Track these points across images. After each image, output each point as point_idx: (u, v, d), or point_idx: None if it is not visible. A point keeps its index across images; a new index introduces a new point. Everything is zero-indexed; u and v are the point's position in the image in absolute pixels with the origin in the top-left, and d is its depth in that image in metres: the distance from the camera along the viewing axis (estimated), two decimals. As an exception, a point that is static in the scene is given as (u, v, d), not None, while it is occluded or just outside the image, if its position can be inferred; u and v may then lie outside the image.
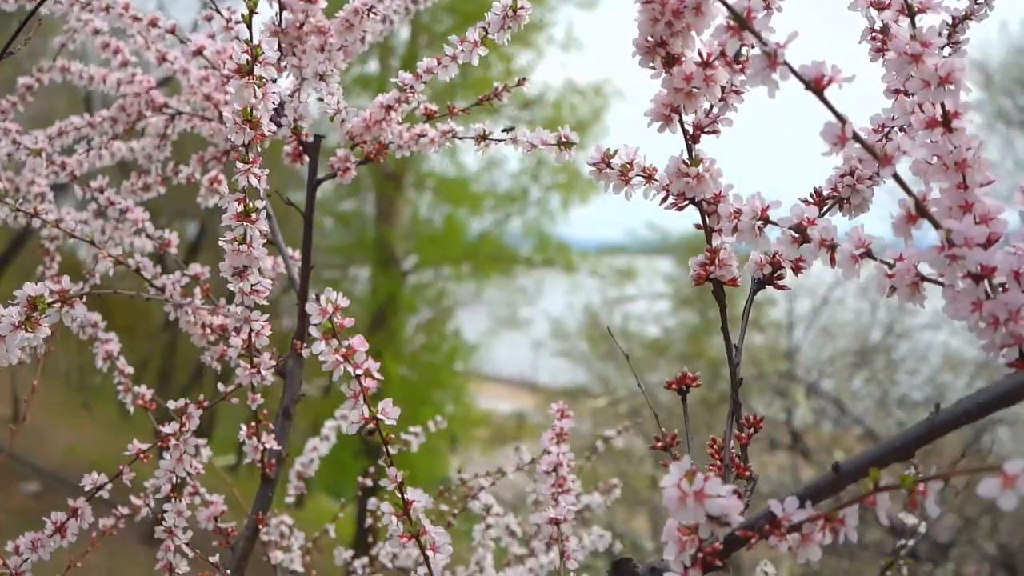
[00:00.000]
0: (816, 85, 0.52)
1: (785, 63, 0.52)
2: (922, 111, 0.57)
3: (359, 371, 0.64)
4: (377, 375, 0.65)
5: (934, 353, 7.08)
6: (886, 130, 0.72)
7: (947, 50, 0.76)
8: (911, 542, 1.12)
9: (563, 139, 0.87)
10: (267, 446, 1.00)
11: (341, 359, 0.64)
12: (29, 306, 0.69)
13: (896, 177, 0.53)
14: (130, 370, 1.13)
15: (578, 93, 10.67)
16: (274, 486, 1.03)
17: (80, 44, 1.38)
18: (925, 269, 0.57)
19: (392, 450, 0.69)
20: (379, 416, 0.65)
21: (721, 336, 0.68)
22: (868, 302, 7.50)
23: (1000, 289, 0.54)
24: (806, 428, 6.00)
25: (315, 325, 0.63)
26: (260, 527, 1.01)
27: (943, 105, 0.56)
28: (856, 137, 0.52)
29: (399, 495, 0.67)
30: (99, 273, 1.10)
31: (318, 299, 0.63)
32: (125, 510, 1.16)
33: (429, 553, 0.67)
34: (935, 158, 0.57)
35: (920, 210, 0.53)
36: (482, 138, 0.98)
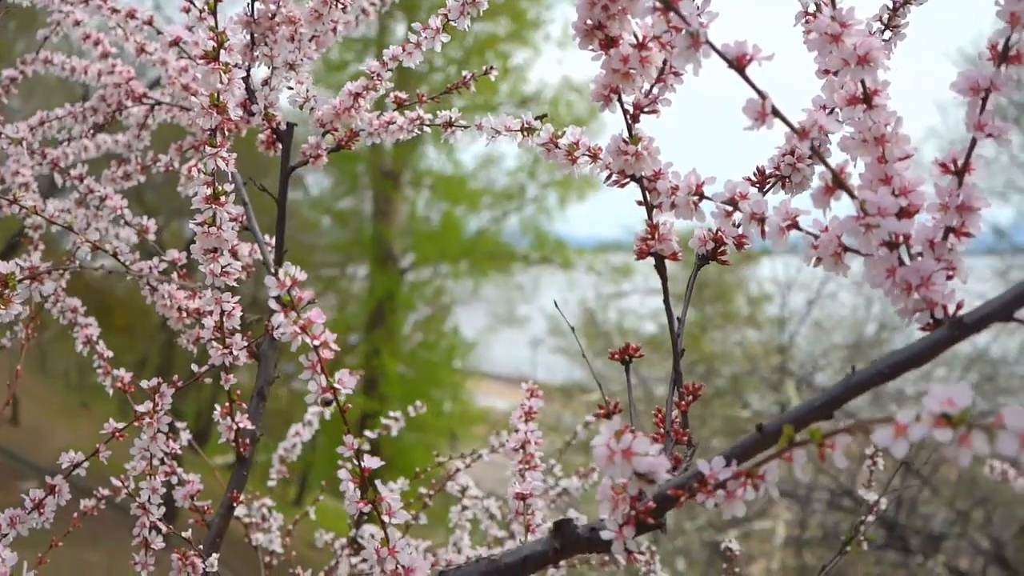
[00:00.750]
0: (738, 63, 0.55)
1: (708, 43, 0.55)
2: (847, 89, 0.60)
3: (317, 342, 0.67)
4: (334, 346, 0.67)
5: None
6: (827, 111, 0.75)
7: (887, 33, 0.79)
8: (870, 518, 1.14)
9: (525, 125, 0.90)
10: (241, 426, 1.03)
11: (299, 330, 0.67)
12: (0, 283, 0.72)
13: (814, 150, 0.56)
14: (109, 354, 1.16)
15: (575, 90, 10.69)
16: (248, 465, 1.06)
17: (68, 41, 1.41)
18: (848, 240, 0.60)
19: (371, 433, 0.72)
20: (336, 385, 0.68)
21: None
22: (863, 297, 7.53)
23: (918, 257, 0.57)
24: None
25: (273, 298, 0.66)
26: (234, 504, 1.04)
27: (863, 83, 0.59)
28: (775, 112, 0.55)
29: (356, 463, 0.70)
30: (79, 259, 1.13)
31: (276, 273, 0.66)
32: (106, 491, 1.18)
33: (385, 518, 0.69)
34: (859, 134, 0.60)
35: (837, 182, 0.56)
36: (448, 125, 1.01)
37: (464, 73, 1.06)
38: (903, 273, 0.55)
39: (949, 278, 0.56)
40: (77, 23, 1.26)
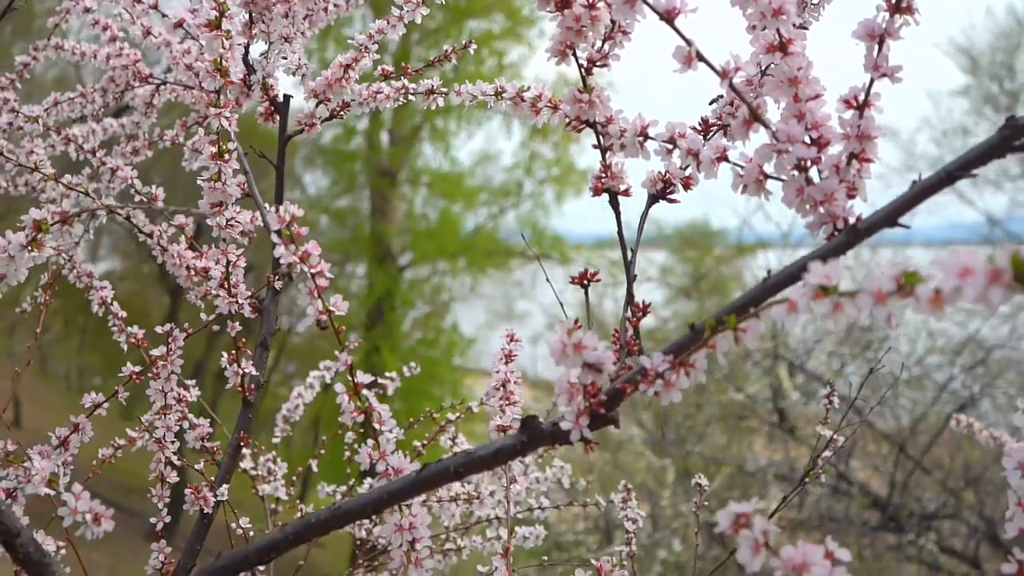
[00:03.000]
0: (668, 16, 0.65)
1: (642, -2, 0.64)
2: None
3: (314, 270, 0.77)
4: (329, 274, 0.77)
5: (915, 331, 7.22)
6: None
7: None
8: (827, 453, 1.24)
9: (499, 89, 0.99)
10: (246, 372, 1.12)
11: (298, 260, 0.76)
12: (35, 228, 0.81)
13: (732, 87, 0.65)
14: (123, 314, 1.25)
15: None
16: (253, 409, 1.16)
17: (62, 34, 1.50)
18: (768, 168, 0.70)
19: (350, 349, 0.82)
20: (331, 308, 0.78)
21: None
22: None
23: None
24: (792, 406, 6.13)
25: (275, 232, 0.75)
26: (241, 445, 1.14)
27: (779, 32, 0.68)
28: (700, 57, 0.65)
29: (350, 378, 0.79)
30: (93, 226, 1.22)
31: (278, 209, 0.75)
32: (121, 440, 1.28)
33: (377, 426, 0.79)
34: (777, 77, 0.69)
35: (754, 115, 0.66)
36: (430, 92, 1.10)
37: (445, 47, 1.16)
38: (810, 192, 0.65)
39: (851, 197, 0.66)
40: (87, 10, 1.36)
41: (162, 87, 1.36)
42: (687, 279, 10.76)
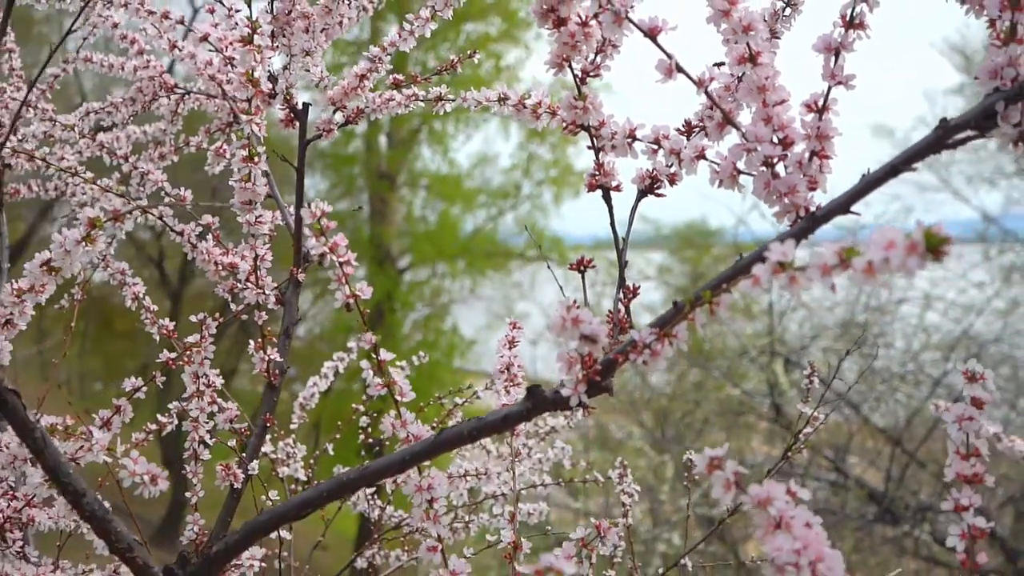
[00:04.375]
0: (652, 33, 0.75)
1: (628, 18, 0.74)
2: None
3: (341, 259, 0.86)
4: (355, 263, 0.87)
5: (911, 327, 7.32)
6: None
7: (789, 11, 0.98)
8: (808, 429, 1.33)
9: (502, 96, 1.09)
10: (272, 358, 1.22)
11: (328, 250, 0.86)
12: (89, 225, 0.91)
13: (707, 95, 0.75)
14: (155, 308, 1.35)
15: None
16: (277, 392, 1.25)
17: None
18: (740, 165, 0.79)
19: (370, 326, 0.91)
20: (357, 292, 0.87)
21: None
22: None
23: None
24: (789, 401, 6.23)
25: (307, 225, 0.85)
26: (267, 425, 1.23)
27: (749, 46, 0.78)
28: (679, 68, 0.75)
29: (374, 355, 0.89)
30: (126, 226, 1.32)
31: (309, 205, 0.85)
32: (153, 425, 1.37)
33: (398, 398, 0.89)
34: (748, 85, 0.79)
35: (727, 119, 0.76)
36: (439, 99, 1.20)
37: (451, 58, 1.26)
38: (776, 185, 0.75)
39: (812, 189, 0.76)
40: (115, 25, 1.46)
41: (186, 96, 1.46)
42: (685, 279, 10.86)
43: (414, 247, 11.99)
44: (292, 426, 1.65)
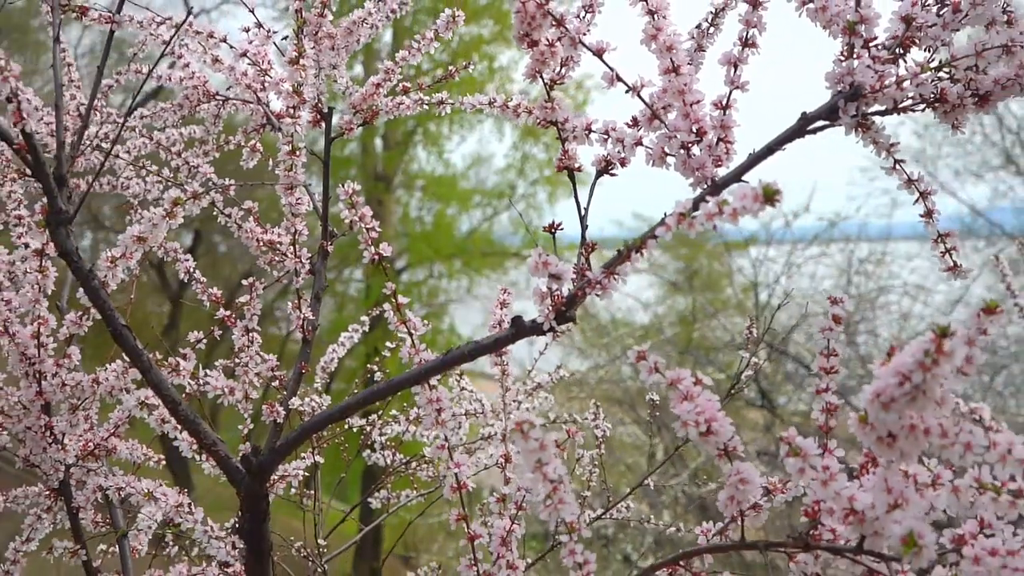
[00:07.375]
0: (598, 52, 1.02)
1: (580, 41, 1.01)
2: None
3: (368, 225, 1.14)
4: (378, 228, 1.14)
5: (898, 318, 7.62)
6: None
7: (712, 29, 1.25)
8: (748, 372, 1.60)
9: (491, 100, 1.37)
10: (306, 316, 1.49)
11: (358, 220, 1.13)
12: (172, 204, 1.18)
13: (640, 97, 1.03)
14: (204, 279, 1.62)
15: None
16: (311, 345, 1.53)
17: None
18: (667, 149, 1.07)
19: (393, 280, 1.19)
20: (380, 252, 1.14)
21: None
22: (836, 269, 8.05)
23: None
24: (776, 387, 6.51)
25: (342, 200, 1.12)
26: (303, 372, 1.50)
27: (672, 60, 1.05)
28: (618, 78, 1.02)
29: (394, 300, 1.16)
30: (185, 212, 1.59)
31: (343, 184, 1.12)
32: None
33: (412, 331, 1.16)
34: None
35: (654, 115, 1.03)
36: (441, 103, 1.48)
37: (449, 67, 1.53)
38: (691, 162, 1.02)
39: (718, 166, 1.03)
40: (166, 43, 1.72)
41: (226, 103, 1.73)
42: (680, 275, 11.14)
43: (411, 248, 12.23)
44: (315, 385, 1.92)
